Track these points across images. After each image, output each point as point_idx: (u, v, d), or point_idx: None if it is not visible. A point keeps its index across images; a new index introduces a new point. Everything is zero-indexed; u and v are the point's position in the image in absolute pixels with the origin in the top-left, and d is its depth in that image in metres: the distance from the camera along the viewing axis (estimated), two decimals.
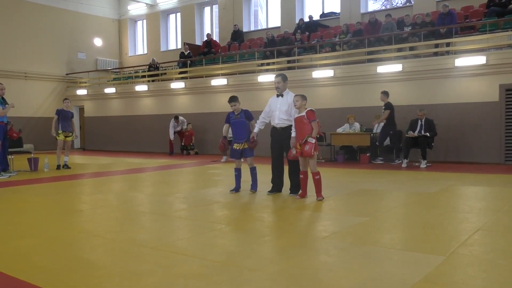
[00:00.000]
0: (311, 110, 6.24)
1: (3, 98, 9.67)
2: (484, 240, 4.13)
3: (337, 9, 17.45)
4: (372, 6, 17.49)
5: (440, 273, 3.21)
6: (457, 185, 7.77)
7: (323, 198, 6.34)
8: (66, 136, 11.14)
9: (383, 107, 11.30)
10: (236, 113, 7.11)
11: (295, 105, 6.35)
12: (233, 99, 7.11)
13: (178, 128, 16.44)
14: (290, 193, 6.77)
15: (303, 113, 6.23)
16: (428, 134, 10.68)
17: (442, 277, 3.14)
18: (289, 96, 6.76)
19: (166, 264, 3.51)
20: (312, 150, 6.10)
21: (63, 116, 11.09)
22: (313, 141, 6.11)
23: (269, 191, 6.95)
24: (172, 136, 16.37)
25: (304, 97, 6.33)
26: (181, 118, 16.50)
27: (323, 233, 4.63)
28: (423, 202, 6.20)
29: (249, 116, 7.11)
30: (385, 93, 11.38)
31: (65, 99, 11.46)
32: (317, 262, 3.55)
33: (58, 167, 11.12)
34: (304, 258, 3.67)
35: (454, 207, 5.87)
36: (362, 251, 3.82)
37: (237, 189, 7.24)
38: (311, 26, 16.83)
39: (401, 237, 4.41)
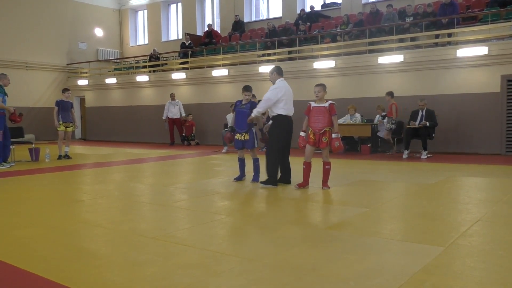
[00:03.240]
0: (333, 103, 6.29)
1: (2, 88, 9.65)
2: (483, 231, 4.15)
3: None
4: None
5: (439, 264, 3.22)
6: (457, 176, 7.77)
7: (329, 187, 6.41)
8: (66, 127, 11.13)
9: None
10: (243, 103, 7.10)
11: (317, 96, 6.34)
12: (248, 89, 7.12)
13: (175, 111, 16.04)
14: (265, 183, 6.77)
15: (325, 105, 6.29)
16: (428, 123, 10.65)
17: (441, 267, 3.15)
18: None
19: (166, 254, 3.53)
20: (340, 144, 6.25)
21: (63, 107, 11.07)
22: (339, 135, 6.27)
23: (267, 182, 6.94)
24: (164, 116, 16.13)
25: (325, 88, 6.42)
26: (178, 101, 16.27)
27: (323, 223, 4.66)
28: (423, 193, 6.21)
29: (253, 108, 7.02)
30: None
31: (66, 89, 11.43)
32: (317, 252, 3.56)
33: (60, 157, 11.13)
34: (303, 248, 3.68)
35: (454, 198, 5.88)
36: (361, 241, 3.83)
37: (240, 177, 7.28)
38: (313, 17, 16.73)
39: (400, 227, 4.42)
